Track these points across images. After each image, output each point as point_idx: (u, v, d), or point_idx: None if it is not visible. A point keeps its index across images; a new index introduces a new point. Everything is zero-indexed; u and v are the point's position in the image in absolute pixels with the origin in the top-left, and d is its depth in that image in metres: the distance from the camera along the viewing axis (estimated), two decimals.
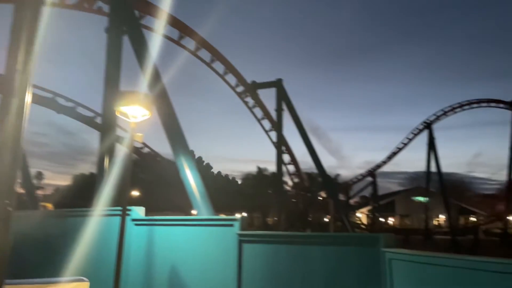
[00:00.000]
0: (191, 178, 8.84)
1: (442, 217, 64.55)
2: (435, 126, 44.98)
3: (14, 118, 2.16)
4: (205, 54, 30.98)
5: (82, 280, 6.16)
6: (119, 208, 6.54)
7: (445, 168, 46.61)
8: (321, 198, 47.10)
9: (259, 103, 35.32)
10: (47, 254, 8.30)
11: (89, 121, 29.67)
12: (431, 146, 44.48)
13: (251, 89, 32.76)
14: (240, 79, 32.80)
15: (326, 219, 50.56)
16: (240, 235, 6.05)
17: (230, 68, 32.18)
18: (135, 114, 6.47)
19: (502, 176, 58.16)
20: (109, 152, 11.70)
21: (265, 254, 5.89)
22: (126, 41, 12.80)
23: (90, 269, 7.09)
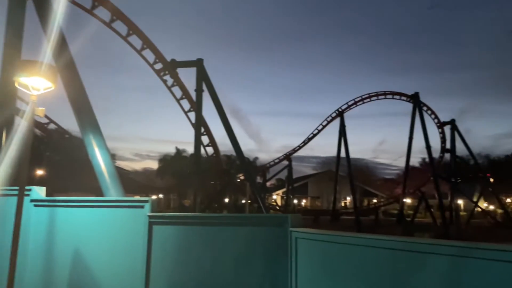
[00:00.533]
0: (99, 157, 8.35)
1: (348, 199, 69.75)
2: (346, 115, 48.02)
3: None
4: (121, 27, 29.24)
5: None
6: (16, 187, 5.98)
7: (353, 154, 50.16)
8: (239, 181, 47.88)
9: (179, 83, 34.42)
10: None
11: None
12: (342, 133, 47.46)
13: (170, 68, 31.72)
14: (159, 56, 31.57)
15: (243, 201, 51.69)
16: (150, 216, 5.90)
17: (148, 44, 30.78)
18: (37, 86, 5.99)
19: (402, 162, 64.46)
20: (7, 126, 10.56)
21: (176, 236, 5.83)
22: (30, 5, 11.55)
23: None
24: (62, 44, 9.52)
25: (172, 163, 64.18)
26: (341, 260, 4.52)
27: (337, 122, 48.24)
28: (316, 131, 49.56)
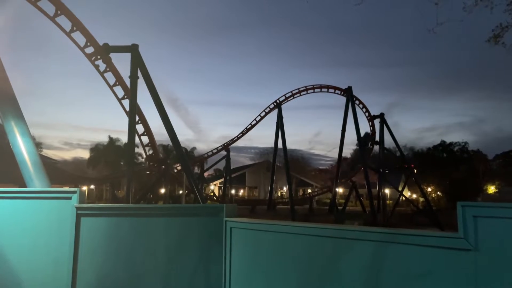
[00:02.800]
0: (22, 145, 7.72)
1: (285, 189, 71.64)
2: (283, 106, 48.97)
3: None
4: (48, 7, 27.15)
5: None
6: None
7: (290, 145, 51.60)
8: (175, 171, 47.05)
9: (112, 68, 32.81)
10: None
11: None
12: (280, 124, 48.39)
13: (102, 52, 30.10)
14: (90, 39, 29.80)
15: (180, 192, 50.94)
16: (78, 208, 5.61)
17: (78, 26, 28.91)
18: None
19: (335, 153, 67.40)
20: None
21: (106, 228, 5.60)
22: None
23: None
24: None
25: (105, 153, 61.49)
26: (274, 248, 4.64)
27: (274, 113, 49.07)
28: (254, 122, 50.07)
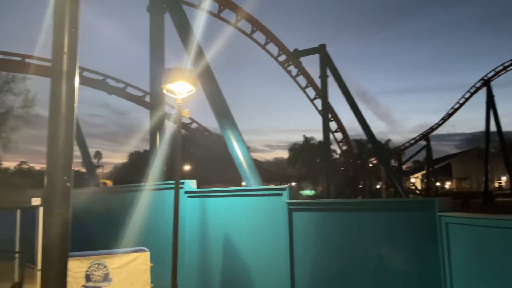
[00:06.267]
0: (238, 150, 8.96)
1: (504, 179, 61.28)
2: (493, 83, 41.98)
3: (65, 99, 2.27)
4: (245, 25, 30.69)
5: (143, 250, 6.58)
6: (172, 181, 6.79)
7: (506, 127, 43.75)
8: (371, 165, 46.15)
9: (303, 71, 34.65)
10: (109, 227, 8.89)
11: (138, 100, 30.70)
12: (490, 104, 41.69)
13: (293, 58, 32.13)
14: (282, 48, 32.23)
15: (378, 186, 49.70)
16: (289, 203, 6.09)
17: (271, 38, 31.66)
18: (181, 90, 6.58)
19: None
20: (159, 128, 12.11)
21: (315, 221, 5.91)
22: (168, 19, 12.92)
23: (148, 240, 7.54)
24: (199, 50, 10.45)
25: (302, 151, 65.35)
26: (504, 247, 3.98)
27: (482, 92, 42.52)
28: (458, 105, 44.59)
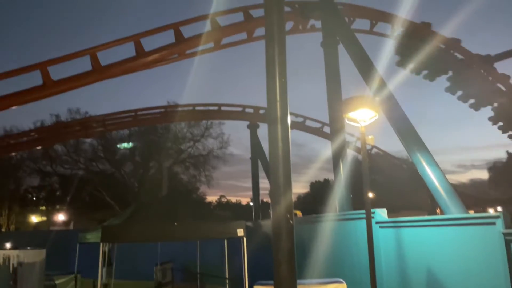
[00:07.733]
0: (431, 174, 8.23)
1: None
2: None
3: (281, 142, 2.54)
4: None
5: (340, 282, 6.56)
6: (362, 211, 6.68)
7: None
8: None
9: None
10: (301, 257, 9.24)
11: (317, 132, 31.77)
12: None
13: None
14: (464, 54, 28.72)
15: None
16: (506, 234, 5.21)
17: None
18: (363, 117, 6.52)
19: None
20: (341, 157, 12.20)
21: None
22: (341, 49, 13.17)
23: (342, 271, 7.51)
24: (378, 76, 10.26)
25: (506, 170, 55.61)
26: None
27: None
28: None
